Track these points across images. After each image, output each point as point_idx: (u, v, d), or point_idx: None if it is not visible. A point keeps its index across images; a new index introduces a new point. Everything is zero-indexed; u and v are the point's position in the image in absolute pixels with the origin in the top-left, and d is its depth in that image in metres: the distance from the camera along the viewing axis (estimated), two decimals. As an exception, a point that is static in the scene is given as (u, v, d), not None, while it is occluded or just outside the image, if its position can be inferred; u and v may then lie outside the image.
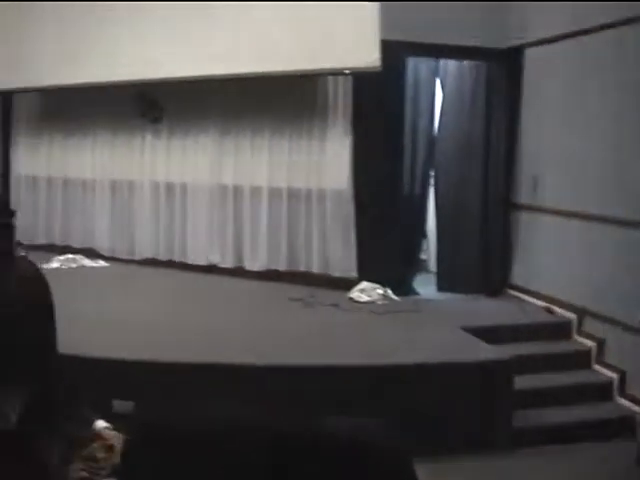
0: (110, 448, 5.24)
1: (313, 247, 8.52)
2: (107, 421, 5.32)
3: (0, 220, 8.74)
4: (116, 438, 5.24)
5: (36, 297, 3.14)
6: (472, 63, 8.75)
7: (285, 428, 2.17)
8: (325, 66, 7.91)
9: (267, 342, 6.33)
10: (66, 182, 10.68)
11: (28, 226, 10.99)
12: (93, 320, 6.80)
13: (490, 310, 8.06)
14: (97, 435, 5.31)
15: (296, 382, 5.62)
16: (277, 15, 8.02)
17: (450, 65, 8.91)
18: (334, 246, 8.38)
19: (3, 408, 3.00)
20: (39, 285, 3.18)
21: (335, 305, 7.57)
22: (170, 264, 9.52)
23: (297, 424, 2.31)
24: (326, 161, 8.47)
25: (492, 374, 5.99)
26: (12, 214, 9.15)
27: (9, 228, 8.76)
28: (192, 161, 9.36)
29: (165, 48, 8.71)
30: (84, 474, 4.99)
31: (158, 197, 9.67)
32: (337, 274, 8.36)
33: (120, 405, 5.51)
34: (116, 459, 5.06)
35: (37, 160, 11.01)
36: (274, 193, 8.75)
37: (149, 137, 9.73)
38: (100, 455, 5.19)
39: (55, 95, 10.62)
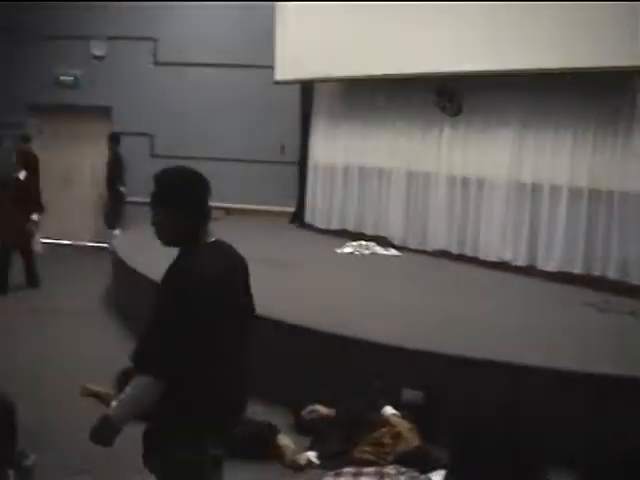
0: (397, 435, 5.75)
1: (612, 252, 8.49)
2: (395, 408, 5.82)
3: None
4: (404, 426, 5.72)
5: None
6: None
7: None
8: (635, 64, 7.87)
9: (559, 344, 6.44)
10: (362, 170, 11.44)
11: (324, 211, 11.87)
12: (386, 308, 7.39)
13: None
14: (385, 421, 5.82)
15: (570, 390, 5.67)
16: (582, 11, 8.09)
17: None
18: (635, 252, 8.30)
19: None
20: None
21: (632, 314, 7.53)
22: (461, 258, 9.96)
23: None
24: (631, 163, 8.41)
25: None
26: None
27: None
28: (490, 156, 9.68)
29: (465, 42, 9.13)
30: (369, 457, 5.52)
31: (453, 190, 10.12)
32: (636, 282, 8.29)
33: (409, 394, 5.97)
34: (402, 446, 5.53)
35: (335, 148, 11.89)
36: (574, 193, 8.83)
37: (447, 130, 10.20)
38: (387, 441, 5.72)
39: (355, 86, 11.38)
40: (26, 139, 11.44)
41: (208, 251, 3.45)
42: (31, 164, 10.65)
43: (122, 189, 13.31)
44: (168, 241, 3.46)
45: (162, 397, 3.26)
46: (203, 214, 3.45)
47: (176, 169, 3.52)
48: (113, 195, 13.36)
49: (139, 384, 3.26)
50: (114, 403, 3.34)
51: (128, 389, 3.28)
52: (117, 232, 13.31)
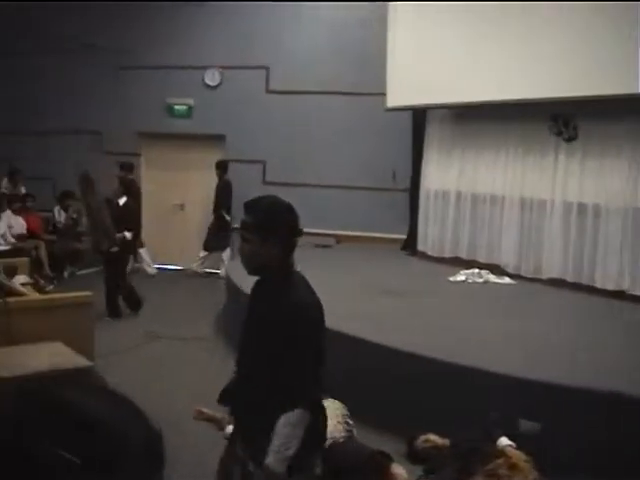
0: (513, 466, 5.68)
1: None
2: (511, 439, 5.77)
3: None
4: (520, 457, 5.66)
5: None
6: None
7: None
8: None
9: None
10: (475, 197, 11.47)
11: (436, 238, 11.87)
12: (502, 338, 7.41)
13: None
14: (501, 452, 5.76)
15: None
16: None
17: None
18: None
19: None
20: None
21: None
22: (576, 286, 9.84)
23: None
24: None
25: None
26: None
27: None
28: (606, 183, 9.57)
29: (580, 66, 9.08)
30: (486, 489, 5.44)
31: (569, 217, 10.03)
32: None
33: (526, 425, 5.91)
34: (519, 478, 5.46)
35: (447, 175, 11.94)
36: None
37: (562, 156, 10.13)
38: (503, 472, 5.67)
39: (468, 112, 11.42)
40: (128, 167, 11.89)
41: (303, 282, 3.52)
42: (132, 191, 11.46)
43: (227, 216, 13.54)
44: (254, 269, 3.52)
45: None
46: (290, 244, 3.49)
47: (267, 198, 3.60)
48: (218, 221, 13.63)
49: (294, 422, 3.29)
50: (272, 454, 3.37)
51: (282, 431, 3.30)
52: (202, 254, 13.86)
